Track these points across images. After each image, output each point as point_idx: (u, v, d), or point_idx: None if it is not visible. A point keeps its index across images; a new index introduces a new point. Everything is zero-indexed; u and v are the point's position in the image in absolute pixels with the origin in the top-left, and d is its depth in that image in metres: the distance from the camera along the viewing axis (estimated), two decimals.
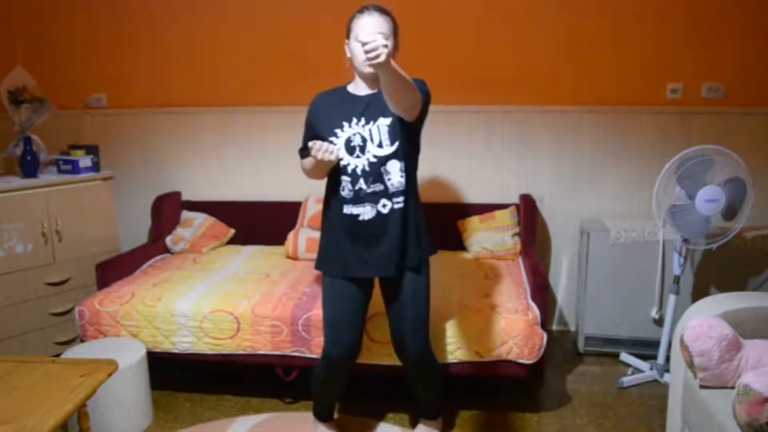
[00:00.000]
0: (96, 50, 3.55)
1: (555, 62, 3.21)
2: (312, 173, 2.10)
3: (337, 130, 1.99)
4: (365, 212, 1.99)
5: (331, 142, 1.98)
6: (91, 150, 3.27)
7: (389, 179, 1.98)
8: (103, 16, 3.50)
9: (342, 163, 1.99)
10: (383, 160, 1.97)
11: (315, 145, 1.90)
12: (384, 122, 1.97)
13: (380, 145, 1.97)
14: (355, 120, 1.98)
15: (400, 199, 2.00)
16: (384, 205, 1.99)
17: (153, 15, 3.46)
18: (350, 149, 1.98)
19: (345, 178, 1.99)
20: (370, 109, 1.98)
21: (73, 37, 3.55)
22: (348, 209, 2.01)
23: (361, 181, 1.98)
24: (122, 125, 3.61)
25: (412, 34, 3.17)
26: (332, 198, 2.06)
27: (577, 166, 3.29)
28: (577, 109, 3.23)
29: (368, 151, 1.97)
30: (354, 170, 1.98)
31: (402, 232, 2.02)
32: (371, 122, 1.97)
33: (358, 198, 1.99)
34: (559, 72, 3.21)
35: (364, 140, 1.97)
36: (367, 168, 1.97)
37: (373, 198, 1.98)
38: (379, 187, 1.98)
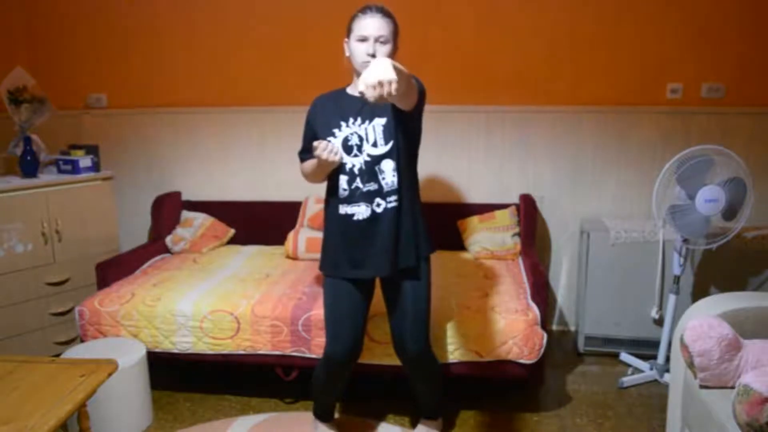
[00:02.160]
0: (96, 50, 3.55)
1: (555, 62, 3.21)
2: (313, 176, 2.10)
3: (335, 130, 2.00)
4: (360, 212, 2.00)
5: (329, 140, 1.99)
6: (91, 150, 3.27)
7: (383, 178, 1.99)
8: (103, 16, 3.50)
9: (341, 162, 1.99)
10: (377, 159, 1.98)
11: (320, 144, 1.90)
12: (379, 122, 1.98)
13: (375, 145, 1.98)
14: (351, 120, 1.99)
15: (394, 198, 2.00)
16: (378, 205, 2.00)
17: (153, 15, 3.46)
18: (347, 148, 1.99)
19: (342, 177, 2.00)
20: (366, 108, 1.99)
21: (73, 37, 3.55)
22: (343, 209, 2.02)
23: (358, 179, 1.98)
24: (122, 125, 3.61)
25: (412, 34, 3.17)
26: (330, 198, 2.08)
27: (577, 166, 3.29)
28: (577, 110, 3.23)
29: (364, 150, 1.98)
30: (351, 169, 1.99)
31: (396, 232, 2.02)
32: (366, 121, 1.98)
33: (354, 197, 1.99)
34: (559, 72, 3.21)
35: (360, 139, 1.98)
36: (363, 167, 1.98)
37: (368, 197, 1.99)
38: (373, 186, 1.98)
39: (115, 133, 3.62)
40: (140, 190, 3.65)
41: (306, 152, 2.12)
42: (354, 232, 2.02)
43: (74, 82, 3.59)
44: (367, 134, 1.98)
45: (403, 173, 2.01)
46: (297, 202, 3.41)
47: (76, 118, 3.61)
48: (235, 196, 3.57)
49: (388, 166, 1.99)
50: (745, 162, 2.58)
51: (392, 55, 1.97)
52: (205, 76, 3.49)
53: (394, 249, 2.02)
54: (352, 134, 1.99)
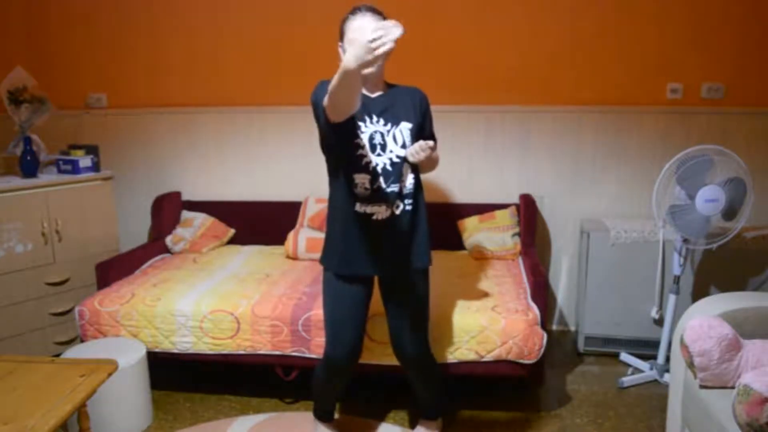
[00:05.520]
0: (96, 50, 3.55)
1: (555, 62, 3.21)
2: (346, 84, 1.69)
3: (360, 124, 1.97)
4: (380, 212, 1.99)
5: (356, 133, 1.95)
6: (91, 150, 3.27)
7: (403, 180, 2.02)
8: (103, 16, 3.50)
9: (365, 160, 1.97)
10: (405, 161, 2.01)
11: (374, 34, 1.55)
12: (407, 126, 2.01)
13: (404, 146, 2.00)
14: (369, 119, 1.98)
15: (410, 200, 2.03)
16: (397, 206, 2.01)
17: (153, 15, 3.46)
18: (372, 146, 1.98)
19: (364, 176, 1.97)
20: (385, 110, 2.00)
21: (73, 37, 3.55)
22: (362, 208, 1.99)
23: (381, 179, 1.98)
24: (122, 125, 3.61)
25: (412, 34, 3.16)
26: (342, 195, 2.02)
27: (577, 166, 3.29)
28: (577, 109, 3.23)
29: (390, 151, 1.99)
30: (375, 168, 1.98)
31: (410, 234, 2.04)
32: (393, 126, 2.00)
33: (375, 197, 1.98)
34: (559, 72, 3.22)
35: (382, 138, 1.99)
36: (388, 167, 1.98)
37: (390, 198, 1.99)
38: (396, 187, 2.00)
39: (115, 133, 3.62)
40: (140, 190, 3.65)
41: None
42: (372, 231, 2.00)
43: (74, 82, 3.59)
44: (395, 137, 1.99)
45: (418, 176, 2.07)
46: (297, 202, 3.41)
47: (76, 118, 3.61)
48: (234, 196, 3.57)
49: (408, 169, 2.03)
50: (745, 162, 2.58)
51: (387, 52, 1.97)
52: (205, 76, 3.49)
53: (407, 250, 2.05)
54: (375, 132, 1.98)
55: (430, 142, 1.88)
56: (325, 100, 1.85)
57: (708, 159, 2.54)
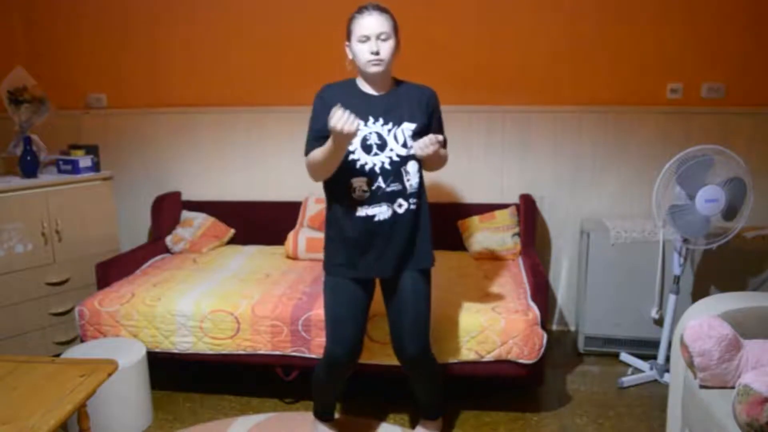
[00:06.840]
0: (96, 50, 3.55)
1: (555, 62, 3.21)
2: (324, 164, 1.90)
3: None
4: (381, 212, 1.98)
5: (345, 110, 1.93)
6: (91, 150, 3.27)
7: (408, 179, 2.00)
8: (104, 16, 3.50)
9: (359, 163, 1.97)
10: (405, 160, 1.99)
11: (336, 113, 1.72)
12: (409, 126, 2.00)
13: (404, 145, 1.99)
14: (371, 120, 1.98)
15: (414, 200, 2.02)
16: (400, 205, 2.00)
17: (153, 15, 3.46)
18: (366, 148, 1.97)
19: (360, 179, 1.96)
20: (388, 110, 1.99)
21: (74, 37, 3.55)
22: (363, 211, 1.98)
23: (380, 179, 1.97)
24: (122, 125, 3.61)
25: (412, 33, 3.16)
26: (341, 200, 2.01)
27: (577, 166, 3.29)
28: (577, 109, 3.23)
29: (391, 150, 1.97)
30: (372, 169, 1.97)
31: (413, 234, 2.04)
32: (395, 126, 1.98)
33: (375, 198, 1.97)
34: (559, 72, 3.21)
35: (381, 138, 1.97)
36: (387, 166, 1.97)
37: (391, 197, 1.98)
38: (398, 186, 1.98)
39: (115, 133, 3.62)
40: (140, 190, 3.65)
41: (315, 141, 1.97)
42: (374, 233, 2.00)
43: (74, 82, 3.59)
44: (396, 136, 1.98)
45: (422, 175, 2.06)
46: (297, 202, 3.41)
47: (76, 118, 3.61)
48: (234, 196, 3.57)
49: (413, 168, 2.01)
50: (745, 162, 2.58)
51: (395, 50, 1.96)
52: (205, 76, 3.49)
53: (410, 250, 2.04)
54: (371, 133, 1.97)
55: (440, 136, 1.87)
56: (306, 158, 1.97)
57: (708, 159, 2.53)
